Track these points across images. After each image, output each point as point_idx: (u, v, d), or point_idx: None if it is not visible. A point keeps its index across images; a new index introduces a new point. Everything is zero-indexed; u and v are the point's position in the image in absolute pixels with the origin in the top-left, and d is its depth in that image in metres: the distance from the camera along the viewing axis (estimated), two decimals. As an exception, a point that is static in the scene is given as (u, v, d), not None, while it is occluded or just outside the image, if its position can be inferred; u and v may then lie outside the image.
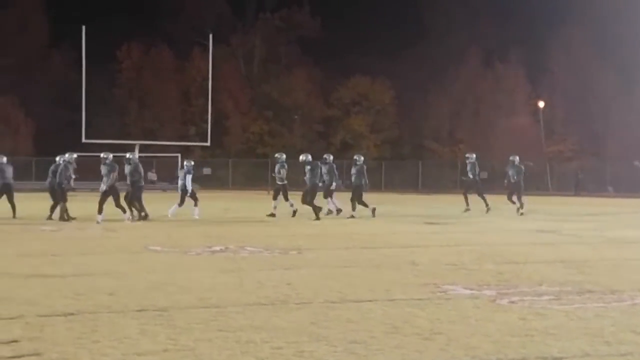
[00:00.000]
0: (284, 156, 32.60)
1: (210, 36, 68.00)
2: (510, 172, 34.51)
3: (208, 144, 68.03)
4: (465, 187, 36.33)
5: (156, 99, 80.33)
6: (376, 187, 68.28)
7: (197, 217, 29.83)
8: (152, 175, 69.65)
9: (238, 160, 77.66)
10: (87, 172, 66.92)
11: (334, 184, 31.81)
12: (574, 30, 76.79)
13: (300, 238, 21.68)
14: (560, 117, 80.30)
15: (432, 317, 10.18)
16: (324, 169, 31.70)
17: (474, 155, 35.08)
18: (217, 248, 18.53)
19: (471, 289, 12.55)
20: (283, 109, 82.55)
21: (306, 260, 16.69)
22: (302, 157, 31.94)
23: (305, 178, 31.38)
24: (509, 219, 31.31)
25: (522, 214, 33.13)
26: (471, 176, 34.99)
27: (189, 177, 30.47)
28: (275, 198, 31.72)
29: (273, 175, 31.89)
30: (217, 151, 76.36)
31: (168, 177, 69.71)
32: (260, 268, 15.14)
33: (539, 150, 77.90)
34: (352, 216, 30.65)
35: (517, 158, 34.65)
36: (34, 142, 73.69)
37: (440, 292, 12.33)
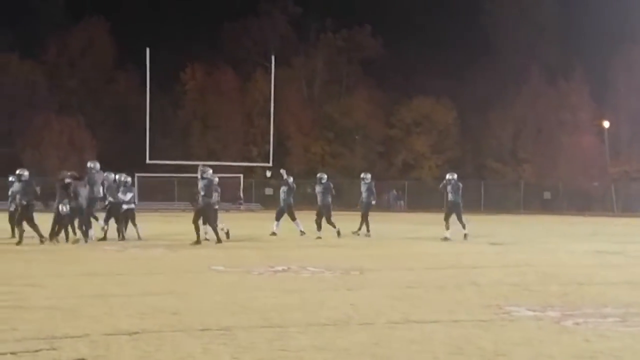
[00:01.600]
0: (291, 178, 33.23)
1: (273, 58, 68.32)
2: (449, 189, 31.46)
3: (270, 164, 68.21)
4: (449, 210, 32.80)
5: (219, 120, 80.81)
6: (438, 207, 68.00)
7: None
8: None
9: (299, 181, 77.76)
10: (151, 193, 67.89)
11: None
12: (638, 48, 75.89)
13: (362, 258, 21.64)
14: (626, 137, 79.32)
15: (495, 338, 10.11)
16: (318, 189, 32.01)
17: (455, 176, 32.32)
18: (279, 268, 18.55)
19: (535, 310, 12.43)
20: (344, 130, 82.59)
21: (368, 280, 16.66)
22: (319, 175, 33.02)
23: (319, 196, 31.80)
24: (573, 240, 30.94)
25: (465, 235, 30.82)
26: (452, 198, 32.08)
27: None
28: (294, 219, 32.21)
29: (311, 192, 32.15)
30: (279, 172, 76.64)
31: (230, 198, 69.98)
32: (322, 288, 15.14)
33: (604, 170, 77.04)
34: (319, 237, 29.96)
35: (455, 176, 32.10)
36: (99, 162, 74.51)
37: (504, 313, 12.23)
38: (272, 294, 14.29)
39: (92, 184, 27.98)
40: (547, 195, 78.40)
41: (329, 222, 30.84)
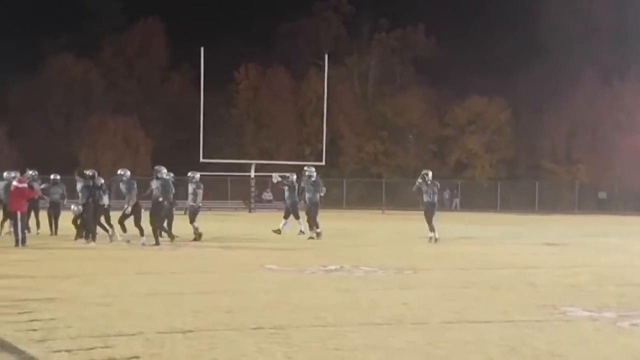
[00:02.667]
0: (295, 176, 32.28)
1: (326, 57, 68.36)
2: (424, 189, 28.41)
3: (323, 163, 68.25)
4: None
5: (272, 119, 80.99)
6: (492, 207, 67.73)
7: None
8: (268, 195, 70.20)
9: (352, 180, 77.73)
10: (205, 191, 68.16)
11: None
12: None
13: (415, 258, 21.58)
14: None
15: (550, 339, 10.01)
16: (308, 186, 29.90)
17: (430, 174, 28.81)
18: (332, 267, 18.54)
19: (591, 311, 12.31)
20: (397, 129, 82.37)
21: (422, 280, 16.60)
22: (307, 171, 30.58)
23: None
24: (629, 241, 30.61)
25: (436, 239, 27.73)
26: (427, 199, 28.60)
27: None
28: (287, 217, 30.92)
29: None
30: (331, 171, 76.57)
31: (283, 196, 70.13)
32: (375, 287, 15.11)
33: (661, 170, 76.12)
34: (312, 237, 28.76)
35: (430, 174, 28.61)
36: (153, 161, 75.00)
37: (559, 313, 12.12)
38: (325, 293, 14.28)
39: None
40: (602, 195, 77.67)
41: (314, 221, 29.18)
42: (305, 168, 30.83)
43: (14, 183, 23.92)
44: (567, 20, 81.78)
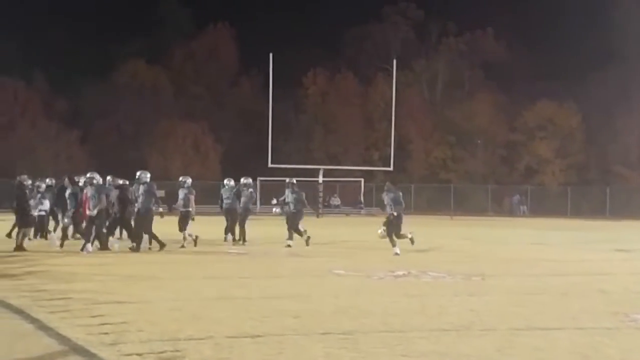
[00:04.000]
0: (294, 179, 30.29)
1: (395, 62, 68.28)
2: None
3: (391, 168, 68.21)
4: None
5: (340, 124, 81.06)
6: (562, 213, 67.02)
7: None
8: (336, 200, 70.29)
9: (421, 185, 77.47)
10: (272, 196, 68.47)
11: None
12: None
13: (484, 264, 21.46)
14: None
15: (622, 347, 9.89)
16: (291, 197, 28.54)
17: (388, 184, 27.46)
18: (400, 273, 18.50)
19: (663, 319, 12.14)
20: (466, 134, 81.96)
21: (490, 286, 16.49)
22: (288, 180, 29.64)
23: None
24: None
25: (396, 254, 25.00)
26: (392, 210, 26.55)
27: None
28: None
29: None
30: (399, 176, 76.40)
31: (351, 201, 70.26)
32: (443, 293, 15.05)
33: None
34: (289, 245, 26.94)
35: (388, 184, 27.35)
36: (222, 167, 75.44)
37: (630, 321, 11.97)
38: (393, 298, 14.25)
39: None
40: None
41: (296, 229, 27.78)
42: (290, 180, 29.58)
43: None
44: (638, 23, 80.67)
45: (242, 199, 29.17)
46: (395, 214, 25.20)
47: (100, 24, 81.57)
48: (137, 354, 9.15)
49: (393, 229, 25.04)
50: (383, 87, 77.69)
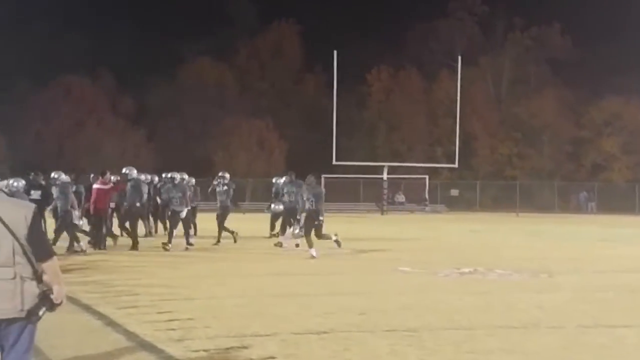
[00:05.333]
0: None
1: (459, 58, 67.96)
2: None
3: (456, 165, 67.90)
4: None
5: (404, 120, 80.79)
6: (630, 210, 66.18)
7: None
8: (400, 197, 70.16)
9: (486, 182, 76.97)
10: (338, 194, 68.57)
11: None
12: None
13: (550, 261, 21.28)
14: None
15: (691, 345, 9.77)
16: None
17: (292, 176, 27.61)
18: (466, 270, 18.42)
19: None
20: (532, 130, 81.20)
21: (557, 283, 16.36)
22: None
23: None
24: None
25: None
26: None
27: None
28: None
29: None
30: (464, 173, 76.04)
31: (416, 199, 70.06)
32: (510, 291, 14.97)
33: None
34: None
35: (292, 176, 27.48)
36: (287, 164, 75.67)
37: (700, 319, 11.82)
38: (458, 296, 14.21)
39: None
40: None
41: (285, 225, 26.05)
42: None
43: (97, 185, 23.73)
44: None
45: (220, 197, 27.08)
46: (314, 209, 22.32)
47: (166, 22, 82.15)
48: (204, 350, 9.24)
49: (312, 228, 22.37)
50: (447, 83, 77.27)
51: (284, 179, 28.26)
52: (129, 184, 24.53)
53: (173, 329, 10.51)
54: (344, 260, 21.25)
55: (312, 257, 21.41)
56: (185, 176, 26.52)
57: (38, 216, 6.20)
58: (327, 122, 65.70)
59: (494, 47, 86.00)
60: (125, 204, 24.61)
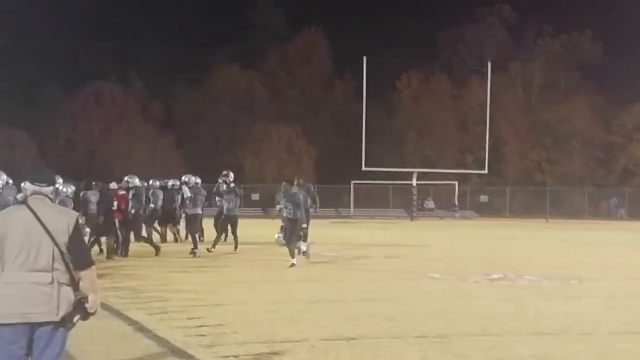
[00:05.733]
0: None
1: (489, 64, 67.82)
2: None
3: (485, 171, 67.71)
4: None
5: (434, 126, 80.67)
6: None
7: None
8: (430, 203, 70.06)
9: (516, 188, 76.69)
10: (367, 200, 68.66)
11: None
12: None
13: (581, 267, 21.19)
14: None
15: None
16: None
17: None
18: (496, 276, 18.38)
19: None
20: (562, 136, 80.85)
21: (588, 290, 16.30)
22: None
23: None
24: None
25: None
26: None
27: None
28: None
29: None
30: (494, 179, 75.78)
31: (445, 205, 69.94)
32: (540, 297, 14.92)
33: None
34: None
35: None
36: (317, 170, 75.73)
37: None
38: (488, 302, 14.19)
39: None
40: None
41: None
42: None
43: (122, 191, 23.56)
44: None
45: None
46: (292, 217, 21.28)
47: (195, 29, 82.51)
48: (234, 356, 9.27)
49: (293, 235, 21.29)
50: (477, 89, 77.12)
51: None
52: (130, 192, 24.00)
53: (203, 335, 10.56)
54: (374, 266, 21.23)
55: (292, 265, 20.34)
56: (199, 180, 26.13)
57: (80, 225, 6.42)
58: (356, 129, 65.71)
59: (524, 53, 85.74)
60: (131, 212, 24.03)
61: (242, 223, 26.72)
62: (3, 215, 6.50)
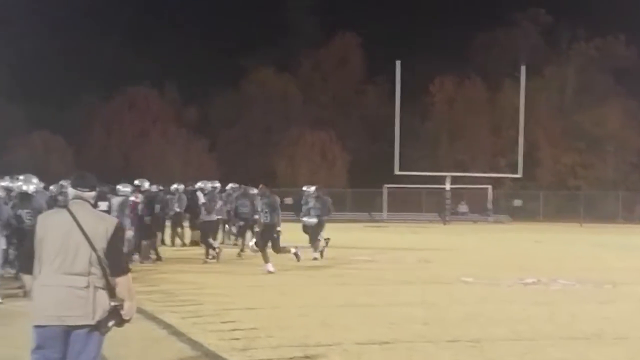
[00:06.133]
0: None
1: (523, 68, 67.59)
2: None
3: (519, 175, 67.45)
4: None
5: (467, 130, 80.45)
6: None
7: None
8: (463, 207, 69.88)
9: (549, 192, 76.33)
10: (400, 204, 68.55)
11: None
12: None
13: (614, 271, 21.09)
14: None
15: None
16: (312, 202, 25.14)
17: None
18: (529, 280, 18.34)
19: None
20: (596, 140, 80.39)
21: (621, 294, 16.23)
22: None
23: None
24: None
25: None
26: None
27: None
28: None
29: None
30: (528, 183, 75.44)
31: (478, 209, 69.74)
32: (574, 301, 14.89)
33: None
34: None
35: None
36: (350, 175, 75.74)
37: None
38: (522, 306, 14.17)
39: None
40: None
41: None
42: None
43: (132, 198, 23.44)
44: None
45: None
46: (269, 222, 20.78)
47: (229, 34, 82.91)
48: (268, 360, 9.33)
49: (267, 241, 20.73)
50: (511, 93, 76.79)
51: (313, 188, 26.22)
52: (140, 196, 23.16)
53: (237, 339, 10.63)
54: (406, 271, 21.24)
55: (269, 272, 19.73)
56: (217, 184, 26.09)
57: (119, 231, 6.52)
58: (389, 133, 65.75)
59: (558, 57, 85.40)
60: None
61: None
62: (42, 219, 6.59)
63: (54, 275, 6.27)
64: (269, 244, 20.69)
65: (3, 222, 15.06)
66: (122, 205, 20.88)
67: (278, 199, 21.97)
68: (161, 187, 26.61)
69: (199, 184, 26.97)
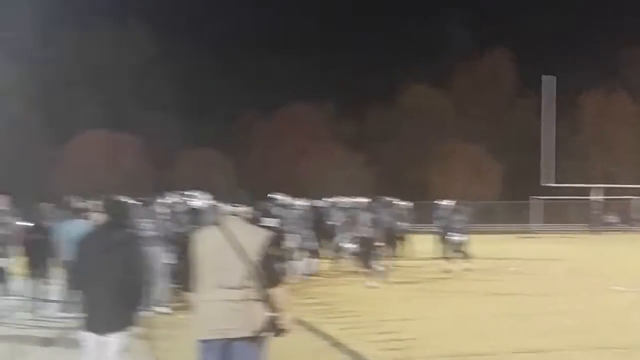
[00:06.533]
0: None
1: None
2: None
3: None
4: None
5: (616, 143, 79.06)
6: None
7: None
8: (612, 218, 68.91)
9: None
10: (549, 215, 67.92)
11: None
12: None
13: None
14: None
15: None
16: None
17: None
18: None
19: None
20: None
21: None
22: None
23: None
24: None
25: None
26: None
27: None
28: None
29: None
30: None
31: (628, 219, 68.66)
32: None
33: None
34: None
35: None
36: (503, 187, 75.19)
37: None
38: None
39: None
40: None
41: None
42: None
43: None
44: None
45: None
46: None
47: (385, 49, 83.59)
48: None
49: None
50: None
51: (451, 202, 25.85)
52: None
53: (396, 349, 11.07)
54: (555, 281, 21.32)
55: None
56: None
57: (275, 244, 6.75)
58: (538, 146, 65.54)
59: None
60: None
61: (423, 239, 27.05)
62: (200, 235, 6.80)
63: (212, 290, 6.50)
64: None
65: (166, 238, 15.45)
66: (301, 218, 21.63)
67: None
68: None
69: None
